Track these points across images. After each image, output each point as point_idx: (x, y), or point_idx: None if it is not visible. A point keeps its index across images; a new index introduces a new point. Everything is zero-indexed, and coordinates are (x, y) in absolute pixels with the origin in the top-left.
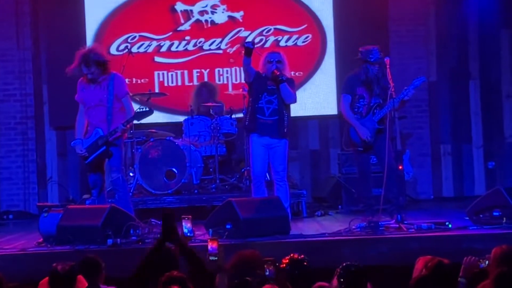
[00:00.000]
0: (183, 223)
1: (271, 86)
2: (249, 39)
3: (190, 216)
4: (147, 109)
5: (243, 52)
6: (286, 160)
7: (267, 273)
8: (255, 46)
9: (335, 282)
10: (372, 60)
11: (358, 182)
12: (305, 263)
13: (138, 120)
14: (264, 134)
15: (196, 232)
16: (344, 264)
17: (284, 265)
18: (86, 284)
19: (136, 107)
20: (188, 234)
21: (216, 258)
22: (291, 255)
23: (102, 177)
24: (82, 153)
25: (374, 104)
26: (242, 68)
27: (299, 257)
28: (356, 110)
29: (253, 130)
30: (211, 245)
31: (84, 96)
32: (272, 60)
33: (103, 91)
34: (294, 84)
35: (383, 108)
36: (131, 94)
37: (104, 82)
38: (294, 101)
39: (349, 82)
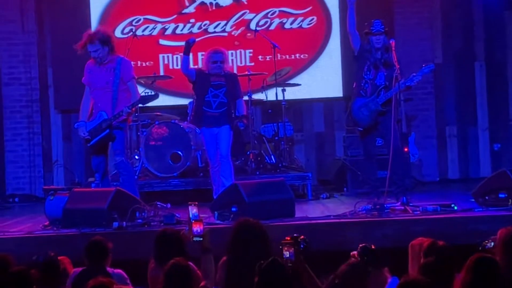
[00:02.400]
0: (190, 209)
1: (215, 82)
2: (254, 21)
3: (196, 202)
4: (153, 93)
5: (184, 49)
6: (230, 142)
7: (288, 255)
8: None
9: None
10: (373, 31)
11: (364, 164)
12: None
13: (144, 104)
14: (212, 125)
15: (202, 215)
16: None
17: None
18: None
19: (141, 90)
20: (195, 220)
21: (201, 239)
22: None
23: (105, 161)
24: (85, 136)
25: (381, 85)
26: (184, 72)
27: (299, 237)
28: (362, 85)
29: (201, 122)
30: (196, 227)
31: (91, 78)
32: (216, 60)
33: (110, 74)
34: (238, 80)
35: (389, 91)
36: (136, 77)
37: (111, 65)
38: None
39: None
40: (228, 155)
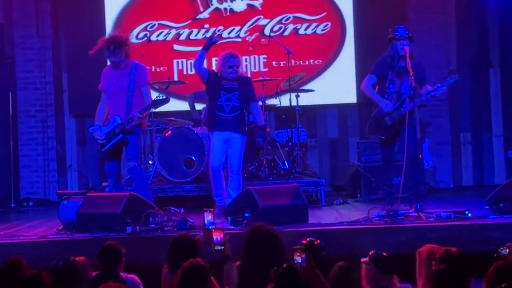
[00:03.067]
0: (205, 215)
1: (227, 85)
2: (268, 27)
3: (212, 209)
4: (164, 97)
5: (204, 44)
6: (242, 155)
7: (299, 260)
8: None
9: (364, 268)
10: (397, 36)
11: (380, 170)
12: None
13: (155, 108)
14: (225, 129)
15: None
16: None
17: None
18: (92, 269)
19: (155, 95)
20: (210, 226)
21: (222, 247)
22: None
23: (118, 166)
24: (101, 140)
25: (405, 93)
26: (197, 68)
27: (315, 241)
28: (386, 96)
29: (213, 126)
30: (217, 235)
31: (106, 83)
32: (233, 65)
33: (125, 79)
34: (251, 83)
35: (412, 101)
36: (151, 82)
37: (126, 70)
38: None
39: (380, 65)
40: (239, 169)
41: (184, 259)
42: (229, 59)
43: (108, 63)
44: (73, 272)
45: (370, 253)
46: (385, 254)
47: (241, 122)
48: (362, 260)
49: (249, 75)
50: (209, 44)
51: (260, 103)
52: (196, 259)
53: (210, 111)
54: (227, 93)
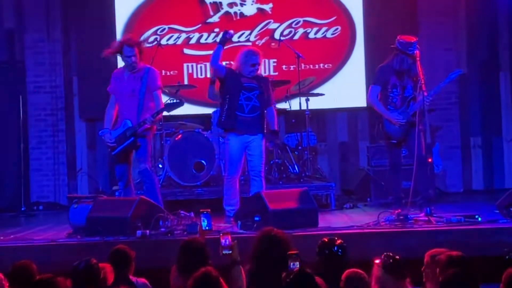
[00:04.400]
0: (202, 217)
1: (247, 83)
2: (278, 31)
3: (208, 210)
4: (178, 100)
5: (220, 39)
6: (264, 156)
7: (292, 266)
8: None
9: (376, 270)
10: (410, 53)
11: (389, 175)
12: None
13: (168, 112)
14: (243, 132)
15: (224, 225)
16: (384, 253)
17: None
18: (113, 276)
19: (165, 99)
20: (207, 228)
21: (230, 251)
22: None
23: (128, 169)
24: (111, 143)
25: (409, 96)
26: (214, 64)
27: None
28: (390, 100)
29: (232, 127)
30: (224, 239)
31: (117, 86)
32: (255, 63)
33: (137, 82)
34: (270, 84)
35: (418, 102)
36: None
37: (139, 73)
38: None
39: (381, 73)
40: (262, 171)
41: (194, 263)
42: (252, 56)
43: (119, 65)
44: (94, 274)
45: (383, 255)
46: (397, 257)
47: (261, 122)
48: (375, 261)
49: None
50: (224, 38)
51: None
52: (207, 268)
53: (229, 110)
54: (247, 92)
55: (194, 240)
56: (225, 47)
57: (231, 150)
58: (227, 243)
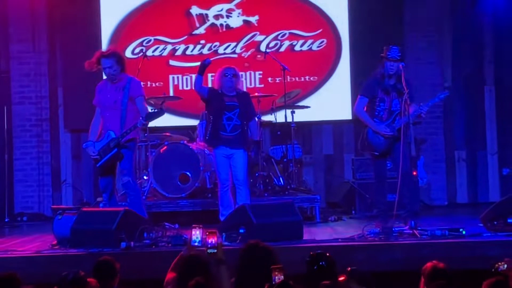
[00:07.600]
0: (193, 232)
1: (229, 102)
2: (264, 43)
3: (201, 226)
4: (158, 109)
5: (199, 69)
6: (246, 168)
7: (276, 279)
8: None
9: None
10: (389, 56)
11: (374, 187)
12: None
13: (149, 121)
14: (226, 146)
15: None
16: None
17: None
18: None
19: (150, 110)
20: (196, 244)
21: (215, 250)
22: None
23: (112, 181)
24: (94, 156)
25: (396, 111)
26: (197, 89)
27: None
28: (376, 114)
29: (216, 145)
30: (210, 238)
31: (101, 98)
32: (227, 74)
33: (119, 93)
34: (250, 99)
35: (404, 117)
36: (146, 97)
37: (120, 84)
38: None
39: (368, 85)
40: (245, 180)
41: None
42: (224, 68)
43: (103, 77)
44: (81, 286)
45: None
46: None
47: (243, 139)
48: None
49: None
50: (202, 67)
51: (256, 119)
52: (202, 279)
53: (214, 130)
54: (228, 112)
55: (195, 256)
56: (212, 59)
57: (218, 162)
58: (213, 242)
